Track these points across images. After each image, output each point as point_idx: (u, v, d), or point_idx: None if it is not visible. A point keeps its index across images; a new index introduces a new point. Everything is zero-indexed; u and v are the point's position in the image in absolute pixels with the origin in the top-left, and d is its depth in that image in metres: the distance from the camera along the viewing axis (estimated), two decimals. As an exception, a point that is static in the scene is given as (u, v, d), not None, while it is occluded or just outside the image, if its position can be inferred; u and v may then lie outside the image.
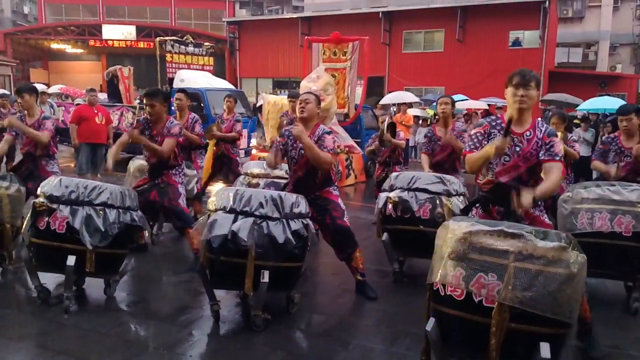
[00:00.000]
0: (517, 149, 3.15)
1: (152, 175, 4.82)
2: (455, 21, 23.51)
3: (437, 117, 5.79)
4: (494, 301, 2.46)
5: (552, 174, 3.06)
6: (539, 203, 3.26)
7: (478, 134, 3.26)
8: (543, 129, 3.16)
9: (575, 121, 12.04)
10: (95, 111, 8.63)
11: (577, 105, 15.24)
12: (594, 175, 9.56)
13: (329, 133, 4.23)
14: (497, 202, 3.23)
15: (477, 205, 3.35)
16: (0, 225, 4.40)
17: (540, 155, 3.12)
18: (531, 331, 2.48)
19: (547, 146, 3.11)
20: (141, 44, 30.43)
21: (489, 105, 17.03)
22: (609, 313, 4.10)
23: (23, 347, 3.41)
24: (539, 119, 3.25)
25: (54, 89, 20.90)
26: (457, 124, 5.61)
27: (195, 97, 10.98)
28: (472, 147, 3.25)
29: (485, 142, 3.21)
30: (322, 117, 6.29)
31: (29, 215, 3.96)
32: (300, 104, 4.26)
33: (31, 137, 5.11)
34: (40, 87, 13.66)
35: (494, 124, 3.25)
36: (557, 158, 3.10)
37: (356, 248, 4.36)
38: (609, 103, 13.08)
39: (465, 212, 3.44)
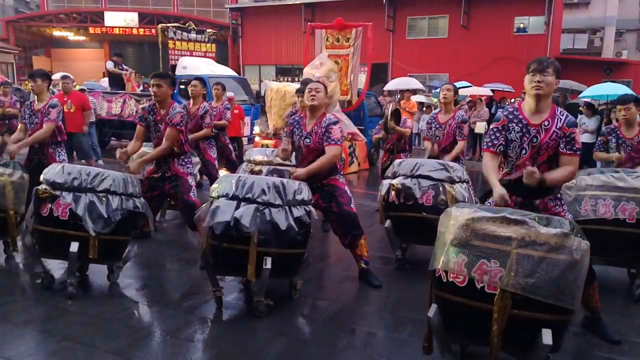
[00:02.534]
0: (535, 140, 3.12)
1: (158, 163, 4.80)
2: (459, 7, 23.29)
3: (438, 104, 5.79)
4: (496, 287, 2.46)
5: (569, 167, 3.08)
6: (559, 196, 3.26)
7: (495, 130, 3.25)
8: (563, 118, 3.13)
9: (580, 108, 11.95)
10: (65, 99, 8.52)
11: (581, 92, 15.14)
12: (598, 164, 9.53)
13: (335, 123, 4.20)
14: (514, 192, 3.21)
15: None
16: (4, 212, 4.42)
17: (560, 146, 3.10)
18: (533, 317, 2.48)
19: (568, 138, 3.09)
20: (143, 31, 30.30)
21: (493, 91, 16.92)
22: (613, 300, 4.09)
23: (27, 332, 3.43)
24: (558, 107, 3.22)
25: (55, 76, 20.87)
26: (459, 113, 5.59)
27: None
28: (490, 144, 3.26)
29: (503, 139, 3.21)
30: (326, 104, 6.21)
31: (32, 202, 3.97)
32: (310, 92, 4.21)
33: (36, 141, 5.13)
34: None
35: (511, 117, 3.23)
36: (578, 153, 3.09)
37: (362, 235, 4.36)
38: (611, 89, 12.94)
39: (482, 200, 3.42)
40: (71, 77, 9.37)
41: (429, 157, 5.48)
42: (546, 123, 3.12)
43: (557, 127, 3.11)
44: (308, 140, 4.21)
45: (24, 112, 5.32)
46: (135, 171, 4.54)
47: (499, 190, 3.04)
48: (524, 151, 3.16)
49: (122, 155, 4.58)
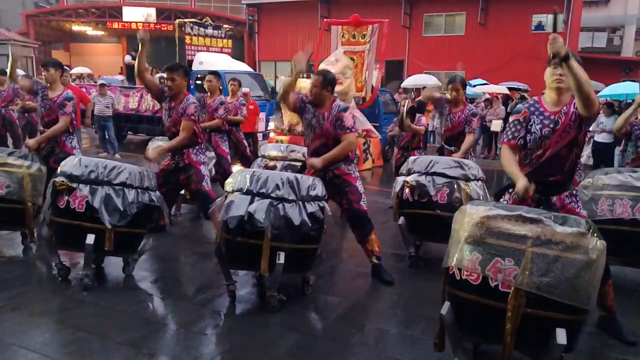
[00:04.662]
0: (557, 125, 3.09)
1: (173, 154, 4.86)
2: (477, 4, 23.08)
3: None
4: (511, 286, 2.44)
5: None
6: (575, 193, 3.23)
7: (517, 123, 3.22)
8: None
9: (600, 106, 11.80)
10: None
11: (599, 91, 14.93)
12: (615, 162, 9.40)
13: (345, 110, 4.21)
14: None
15: (511, 190, 3.30)
16: (22, 203, 4.48)
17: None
18: (547, 317, 2.46)
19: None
20: (161, 26, 30.48)
21: (509, 89, 16.76)
22: (628, 301, 4.04)
23: (43, 322, 3.48)
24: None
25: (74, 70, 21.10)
26: (469, 106, 5.55)
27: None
28: (510, 137, 3.21)
29: (524, 131, 3.17)
30: (328, 94, 6.17)
31: (49, 194, 4.02)
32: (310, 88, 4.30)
33: (54, 135, 5.20)
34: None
35: (532, 109, 3.20)
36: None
37: (371, 230, 4.36)
38: (630, 88, 12.74)
39: (497, 197, 3.39)
40: (68, 69, 9.41)
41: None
42: (565, 108, 3.11)
43: (575, 107, 3.07)
44: (323, 122, 4.21)
45: (39, 95, 5.39)
46: (154, 158, 4.60)
47: (522, 181, 2.95)
48: (546, 141, 3.11)
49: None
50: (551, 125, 3.11)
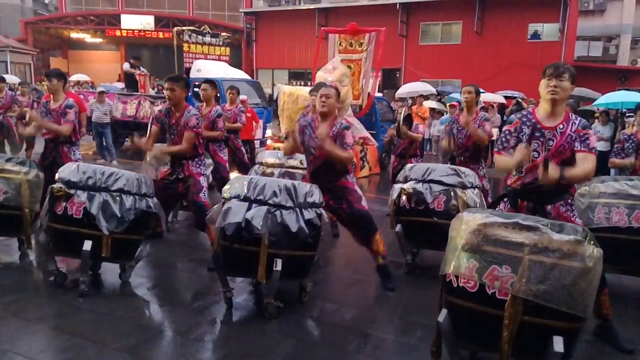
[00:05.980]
0: (550, 144, 3.12)
1: (173, 165, 4.86)
2: (473, 13, 23.21)
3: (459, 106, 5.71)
4: (508, 294, 2.45)
5: (586, 164, 3.04)
6: (570, 201, 3.24)
7: (507, 133, 3.26)
8: (577, 122, 3.14)
9: (596, 115, 11.87)
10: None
11: (595, 100, 14.98)
12: (612, 172, 9.43)
13: (347, 128, 4.22)
14: (525, 197, 3.20)
15: (505, 200, 3.31)
16: (19, 209, 4.47)
17: (575, 145, 3.09)
18: (544, 324, 2.47)
19: (583, 138, 3.08)
20: (159, 34, 30.56)
21: (506, 98, 16.83)
22: (625, 309, 4.05)
23: (39, 328, 3.47)
24: (572, 113, 3.22)
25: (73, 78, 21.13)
26: (481, 113, 5.53)
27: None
28: (501, 147, 3.26)
29: (514, 141, 3.21)
30: (338, 108, 6.22)
31: (47, 200, 4.02)
32: (321, 97, 4.23)
33: (53, 131, 5.20)
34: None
35: (524, 119, 3.24)
36: (593, 151, 3.08)
37: (376, 231, 4.36)
38: (626, 97, 12.80)
39: (493, 207, 3.40)
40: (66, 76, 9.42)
41: (444, 154, 5.40)
42: (561, 126, 3.13)
43: (572, 130, 3.11)
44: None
45: (40, 110, 5.40)
46: (159, 156, 4.68)
47: (519, 154, 3.05)
48: (535, 154, 3.15)
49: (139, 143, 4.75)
50: (541, 139, 3.13)
